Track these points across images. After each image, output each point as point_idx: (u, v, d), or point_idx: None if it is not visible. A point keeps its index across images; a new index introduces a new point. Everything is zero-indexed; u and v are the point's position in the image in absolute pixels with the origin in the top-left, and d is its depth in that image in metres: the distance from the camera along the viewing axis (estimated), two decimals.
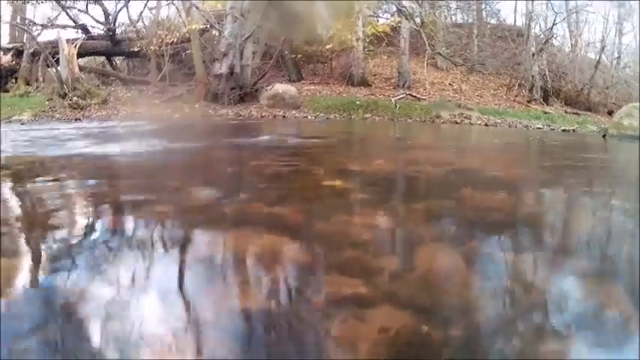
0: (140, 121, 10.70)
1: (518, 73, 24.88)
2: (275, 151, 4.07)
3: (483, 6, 27.56)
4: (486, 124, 17.96)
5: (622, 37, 29.49)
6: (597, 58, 27.44)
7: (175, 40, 18.52)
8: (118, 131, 6.69)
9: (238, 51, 18.07)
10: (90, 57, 21.63)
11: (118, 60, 22.84)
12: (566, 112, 24.26)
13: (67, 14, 21.18)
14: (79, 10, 21.45)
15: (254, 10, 18.83)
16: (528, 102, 23.90)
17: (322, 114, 17.41)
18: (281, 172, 2.80)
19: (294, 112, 17.08)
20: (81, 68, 18.68)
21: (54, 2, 20.85)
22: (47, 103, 16.57)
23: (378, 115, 18.05)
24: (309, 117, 16.86)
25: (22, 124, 11.03)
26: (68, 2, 21.03)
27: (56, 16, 21.83)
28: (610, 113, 27.06)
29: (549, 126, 20.03)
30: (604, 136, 13.25)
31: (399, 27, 22.10)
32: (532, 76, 24.32)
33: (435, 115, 18.14)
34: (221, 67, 17.78)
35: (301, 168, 2.99)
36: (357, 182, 2.53)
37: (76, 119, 13.44)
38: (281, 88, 18.19)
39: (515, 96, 24.02)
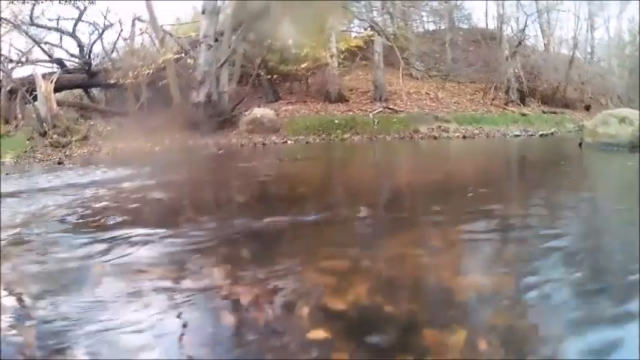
0: (125, 169, 10.75)
1: (494, 76, 25.29)
2: (249, 259, 4.26)
3: (455, 13, 28.03)
4: (464, 137, 18.42)
5: (594, 32, 30.14)
6: (571, 54, 28.03)
7: (151, 71, 18.69)
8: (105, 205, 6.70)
9: (215, 78, 18.37)
10: (67, 90, 21.76)
11: (95, 90, 22.94)
12: (543, 111, 24.80)
13: (42, 49, 21.39)
14: (51, 44, 21.62)
15: (227, 34, 19.17)
16: (505, 104, 24.38)
17: (302, 136, 17.83)
18: (264, 312, 3.06)
19: (273, 137, 17.48)
20: (59, 103, 18.91)
21: (28, 37, 21.00)
22: (28, 142, 16.81)
23: (357, 133, 18.48)
24: (289, 142, 17.24)
25: (7, 174, 11.10)
26: (42, 35, 21.22)
27: (29, 49, 21.94)
28: (587, 108, 27.70)
29: (527, 131, 20.54)
30: (580, 144, 13.67)
31: (373, 40, 22.46)
32: (507, 79, 24.76)
33: (413, 130, 18.58)
34: (198, 96, 18.11)
35: (287, 304, 3.26)
36: (341, 330, 2.82)
37: (59, 162, 13.53)
38: (259, 112, 18.55)
39: (493, 99, 24.49)
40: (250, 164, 11.26)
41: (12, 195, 7.47)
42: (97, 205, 6.42)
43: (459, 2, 28.40)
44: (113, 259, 4.15)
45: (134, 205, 6.39)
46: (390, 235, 4.90)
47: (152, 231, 5.02)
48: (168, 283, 3.62)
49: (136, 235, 4.88)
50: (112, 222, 5.37)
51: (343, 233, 5.02)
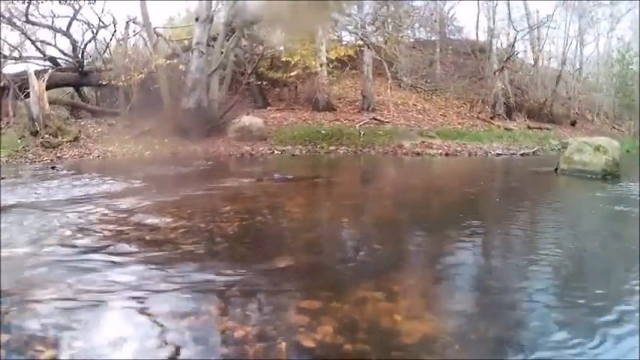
0: (118, 182, 11.24)
1: (481, 89, 26.21)
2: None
3: (448, 26, 28.98)
4: (447, 154, 19.28)
5: (583, 49, 31.20)
6: (559, 70, 29.04)
7: (143, 75, 19.40)
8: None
9: (205, 85, 19.18)
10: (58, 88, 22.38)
11: (86, 88, 23.55)
12: (529, 127, 25.72)
13: (35, 46, 22.07)
14: (45, 42, 22.28)
15: (220, 41, 19.98)
16: (491, 118, 25.24)
17: (289, 146, 18.72)
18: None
19: (261, 147, 18.32)
20: (51, 101, 19.51)
21: (21, 34, 21.66)
22: (19, 141, 17.49)
23: (343, 144, 19.38)
24: (276, 152, 18.14)
25: (2, 178, 11.62)
26: (35, 32, 21.89)
27: (21, 45, 22.49)
28: (573, 124, 28.81)
29: (509, 149, 21.40)
30: (556, 169, 14.43)
31: (362, 50, 23.30)
32: (495, 93, 25.64)
33: (397, 145, 19.43)
34: (189, 102, 18.90)
35: None
36: None
37: (52, 167, 14.03)
38: (247, 120, 19.48)
39: (479, 112, 25.33)
40: (238, 184, 11.77)
41: (12, 208, 7.90)
42: (100, 229, 6.99)
43: (451, 14, 29.41)
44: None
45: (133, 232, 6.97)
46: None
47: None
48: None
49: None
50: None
51: None
